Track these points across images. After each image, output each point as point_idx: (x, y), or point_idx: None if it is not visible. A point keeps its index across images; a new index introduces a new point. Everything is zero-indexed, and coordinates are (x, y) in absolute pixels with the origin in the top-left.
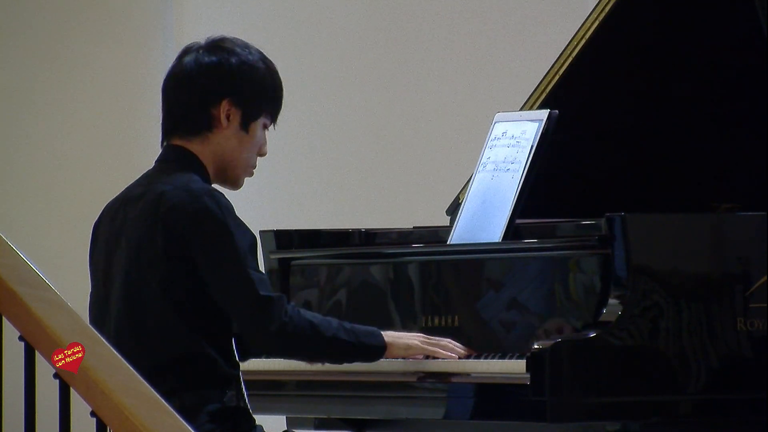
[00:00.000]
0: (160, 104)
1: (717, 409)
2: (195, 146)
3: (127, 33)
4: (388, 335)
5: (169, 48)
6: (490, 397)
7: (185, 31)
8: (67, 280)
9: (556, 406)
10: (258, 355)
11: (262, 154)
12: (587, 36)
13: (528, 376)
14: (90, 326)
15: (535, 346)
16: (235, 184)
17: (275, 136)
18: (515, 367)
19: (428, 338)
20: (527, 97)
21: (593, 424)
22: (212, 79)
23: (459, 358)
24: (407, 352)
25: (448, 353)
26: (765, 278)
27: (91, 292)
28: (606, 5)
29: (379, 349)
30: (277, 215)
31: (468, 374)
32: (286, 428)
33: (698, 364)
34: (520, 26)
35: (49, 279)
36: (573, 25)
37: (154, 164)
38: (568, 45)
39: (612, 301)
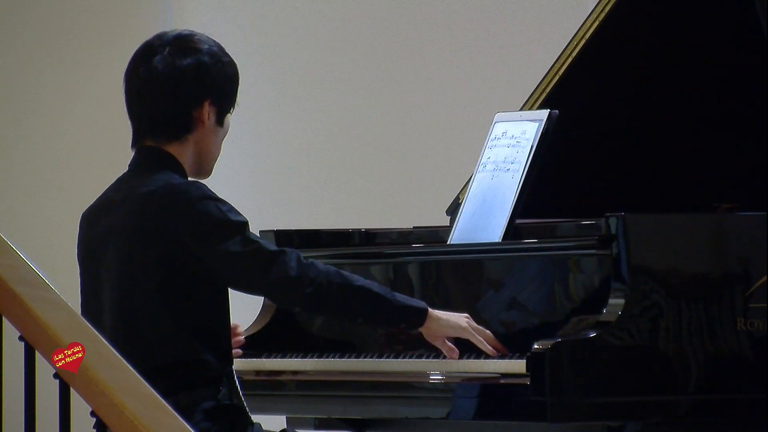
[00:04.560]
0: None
1: (717, 409)
2: (173, 148)
3: (126, 34)
4: (436, 311)
5: None
6: (491, 397)
7: None
8: (67, 280)
9: (556, 406)
10: (291, 307)
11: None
12: (587, 36)
13: (528, 376)
14: (90, 326)
15: (535, 346)
16: (207, 174)
17: (276, 136)
18: (515, 367)
19: (475, 324)
20: (527, 97)
21: (593, 424)
22: (194, 83)
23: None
24: (456, 332)
25: (488, 347)
26: (765, 278)
27: (82, 303)
28: (606, 5)
29: (419, 312)
30: (277, 215)
31: (468, 374)
32: (285, 428)
33: (698, 364)
34: (520, 26)
35: (49, 279)
36: (573, 25)
37: (128, 167)
38: (568, 45)
39: (612, 301)
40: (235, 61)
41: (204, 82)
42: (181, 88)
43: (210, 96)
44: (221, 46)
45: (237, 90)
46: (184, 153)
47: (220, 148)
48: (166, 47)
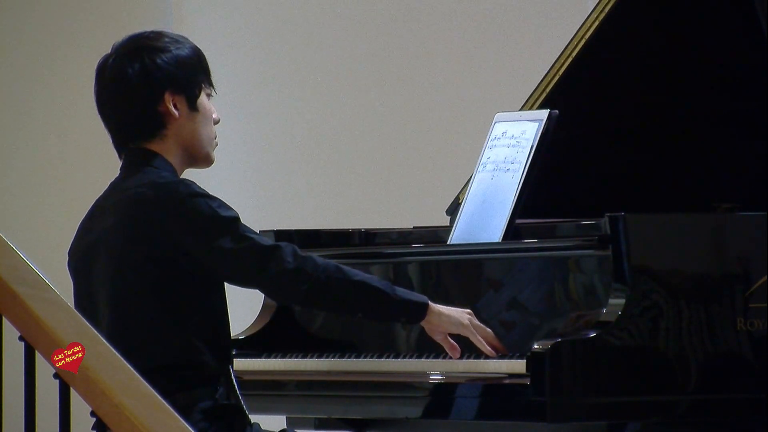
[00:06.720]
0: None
1: (717, 409)
2: (155, 145)
3: (126, 34)
4: (438, 305)
5: None
6: (491, 397)
7: (185, 32)
8: (67, 280)
9: (556, 406)
10: (289, 303)
11: (216, 121)
12: (587, 36)
13: (528, 376)
14: (90, 326)
15: (535, 346)
16: (207, 161)
17: (276, 136)
18: (515, 367)
19: (477, 322)
20: (527, 97)
21: (593, 424)
22: (145, 85)
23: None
24: (458, 329)
25: (487, 348)
26: (765, 278)
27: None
28: (606, 5)
29: (420, 306)
30: (277, 215)
31: (468, 374)
32: (285, 428)
33: (698, 364)
34: (520, 26)
35: (49, 279)
36: (573, 25)
37: (119, 172)
38: (568, 45)
39: (612, 301)
40: (199, 46)
41: (155, 78)
42: (133, 92)
43: (167, 88)
44: (173, 36)
45: (199, 72)
46: (167, 148)
47: (208, 132)
48: (112, 56)
